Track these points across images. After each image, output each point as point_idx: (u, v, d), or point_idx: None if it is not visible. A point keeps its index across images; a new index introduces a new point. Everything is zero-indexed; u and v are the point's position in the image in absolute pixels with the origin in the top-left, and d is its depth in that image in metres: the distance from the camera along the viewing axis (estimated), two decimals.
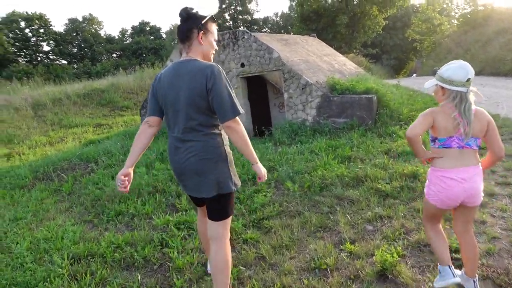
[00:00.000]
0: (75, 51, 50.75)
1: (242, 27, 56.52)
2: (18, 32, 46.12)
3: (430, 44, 31.67)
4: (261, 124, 8.15)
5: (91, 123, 11.97)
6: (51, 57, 49.17)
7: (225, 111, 1.99)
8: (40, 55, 48.56)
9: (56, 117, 12.39)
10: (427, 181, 2.14)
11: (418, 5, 44.92)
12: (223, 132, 2.17)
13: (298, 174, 4.74)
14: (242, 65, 7.75)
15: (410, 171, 4.26)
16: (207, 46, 2.19)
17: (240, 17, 56.04)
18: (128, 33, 53.32)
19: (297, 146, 6.10)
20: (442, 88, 1.95)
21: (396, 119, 6.87)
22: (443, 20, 32.07)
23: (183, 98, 2.07)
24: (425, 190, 2.16)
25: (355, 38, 33.50)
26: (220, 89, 1.99)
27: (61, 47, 48.90)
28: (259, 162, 2.21)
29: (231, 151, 2.22)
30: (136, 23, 61.14)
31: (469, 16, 26.41)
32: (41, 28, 47.89)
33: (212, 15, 2.20)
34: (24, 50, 46.54)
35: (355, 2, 32.58)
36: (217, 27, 2.30)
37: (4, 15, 47.45)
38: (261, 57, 7.51)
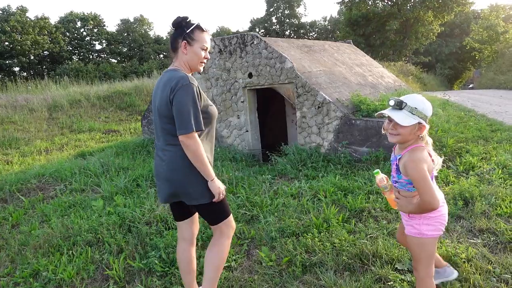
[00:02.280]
0: (125, 50, 52.33)
1: (288, 31, 55.53)
2: (74, 32, 48.40)
3: (491, 54, 28.49)
4: (277, 143, 6.84)
5: (103, 129, 11.30)
6: (102, 55, 51.10)
7: (178, 125, 2.04)
8: (92, 53, 50.58)
9: (69, 120, 11.88)
10: (414, 221, 1.99)
11: (479, 11, 41.30)
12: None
13: (282, 236, 3.39)
14: (250, 75, 6.50)
15: (445, 253, 2.77)
16: (191, 56, 2.19)
17: (288, 20, 55.32)
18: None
19: (300, 183, 4.73)
20: (422, 127, 1.85)
21: (438, 152, 5.25)
22: (508, 27, 28.86)
23: (157, 107, 2.17)
24: (416, 231, 1.99)
25: (405, 45, 31.17)
26: (179, 102, 2.03)
27: (112, 46, 50.66)
28: (215, 179, 2.17)
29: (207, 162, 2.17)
30: None
31: None
32: (95, 28, 49.97)
33: (199, 24, 2.19)
34: (78, 49, 48.69)
35: (408, 7, 30.33)
36: (209, 36, 2.26)
37: (63, 15, 50.09)
38: (272, 66, 6.21)
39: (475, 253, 2.77)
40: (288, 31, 55.68)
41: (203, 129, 2.10)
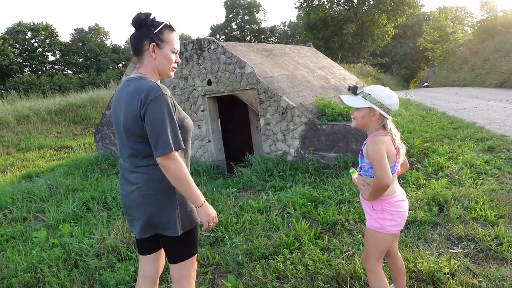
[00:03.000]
0: (81, 61, 50.23)
1: (249, 36, 55.70)
2: (24, 43, 45.87)
3: (443, 53, 29.91)
4: (242, 151, 6.50)
5: (54, 145, 10.47)
6: (56, 67, 48.74)
7: (155, 145, 1.70)
8: (46, 65, 48.12)
9: (16, 138, 10.93)
10: (377, 214, 2.00)
11: (429, 13, 43.33)
12: None
13: (251, 259, 3.05)
14: (209, 82, 6.14)
15: (427, 268, 2.54)
16: (161, 60, 1.85)
17: (248, 26, 55.54)
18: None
19: (267, 196, 4.41)
20: (380, 114, 1.93)
21: (405, 154, 5.14)
22: (456, 28, 30.37)
23: (122, 123, 1.82)
24: (379, 226, 2.00)
25: (363, 47, 32.05)
26: (152, 118, 1.70)
27: (67, 57, 48.44)
28: (205, 203, 1.81)
29: None
30: None
31: (486, 23, 24.51)
32: (47, 39, 47.59)
33: (168, 23, 1.86)
34: (30, 61, 46.15)
35: (363, 10, 31.22)
36: (178, 36, 1.92)
37: (11, 26, 47.32)
38: (231, 72, 5.88)
39: (458, 266, 2.57)
40: (249, 36, 55.94)
41: (184, 147, 1.78)
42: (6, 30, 46.18)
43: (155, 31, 1.80)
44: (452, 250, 2.82)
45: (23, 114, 12.45)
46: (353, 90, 1.97)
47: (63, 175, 6.51)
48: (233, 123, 8.25)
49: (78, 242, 3.59)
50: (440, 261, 2.61)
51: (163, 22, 1.83)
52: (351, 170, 2.19)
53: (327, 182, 4.66)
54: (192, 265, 1.99)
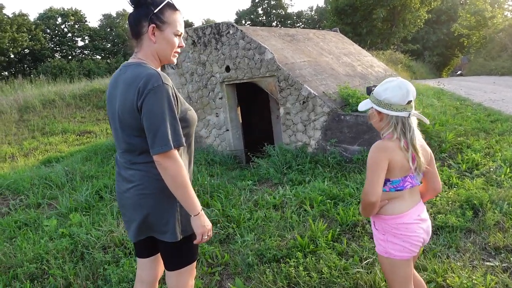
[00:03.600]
0: (109, 46, 51.04)
1: (275, 22, 54.81)
2: (55, 28, 47.05)
3: (479, 40, 28.19)
4: (262, 140, 6.25)
5: (77, 130, 10.58)
6: (85, 52, 49.79)
7: (152, 142, 1.51)
8: (75, 50, 49.25)
9: (41, 122, 11.12)
10: (379, 235, 1.68)
11: None
12: None
13: (261, 261, 2.83)
14: (227, 68, 5.88)
15: (459, 284, 2.23)
16: (162, 45, 1.63)
17: (274, 11, 54.67)
18: None
19: (284, 190, 4.17)
20: (379, 113, 1.61)
21: (436, 149, 4.75)
22: (495, 12, 28.52)
23: (118, 114, 1.61)
24: (382, 249, 1.67)
25: (393, 33, 30.79)
26: (151, 111, 1.50)
27: (95, 42, 49.30)
28: (201, 213, 1.62)
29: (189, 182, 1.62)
30: None
31: None
32: (76, 24, 48.58)
33: (169, 1, 1.62)
34: (60, 46, 47.35)
35: None
36: (182, 17, 1.67)
37: (42, 12, 48.55)
38: (250, 58, 5.60)
39: (495, 283, 2.25)
40: (275, 22, 55.06)
41: (184, 144, 1.58)
42: (38, 15, 47.44)
43: (155, 11, 1.59)
44: (488, 263, 2.50)
45: (49, 98, 12.66)
46: (368, 91, 1.77)
47: (81, 161, 6.49)
48: (253, 111, 8.00)
49: (86, 234, 3.48)
50: (474, 276, 2.30)
51: (164, 0, 1.61)
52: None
53: (349, 177, 4.36)
54: (190, 273, 1.80)
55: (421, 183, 1.70)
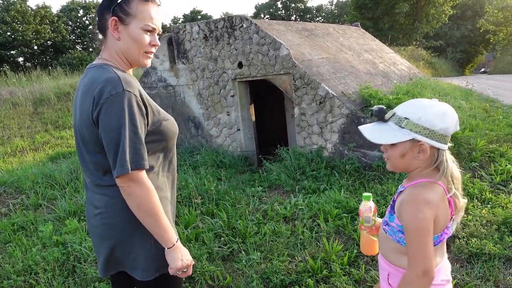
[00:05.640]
0: None
1: (294, 16, 54.09)
2: (77, 20, 47.65)
3: (507, 36, 27.04)
4: (276, 140, 5.92)
5: None
6: None
7: (113, 162, 1.24)
8: (95, 42, 49.78)
9: (55, 115, 11.05)
10: None
11: None
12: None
13: (267, 287, 2.50)
14: (240, 65, 5.54)
15: None
16: (127, 42, 1.35)
17: (293, 5, 53.97)
18: (180, 21, 53.25)
19: (296, 200, 3.82)
20: (430, 147, 1.17)
21: (465, 158, 4.31)
22: None
23: (78, 127, 1.37)
24: None
25: (416, 28, 29.77)
26: (107, 124, 1.23)
27: None
28: (177, 244, 1.35)
29: (167, 211, 1.42)
30: (188, 12, 60.94)
31: None
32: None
33: None
34: (81, 38, 47.95)
35: None
36: (157, 9, 1.36)
37: (64, 4, 49.24)
38: (264, 54, 5.24)
39: None
40: (294, 16, 54.36)
41: (145, 166, 1.28)
42: (60, 8, 48.11)
43: (119, 1, 1.31)
44: None
45: (64, 91, 12.59)
46: (379, 114, 1.23)
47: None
48: (266, 110, 7.64)
49: (80, 244, 3.23)
50: None
51: None
52: (367, 194, 1.48)
53: (368, 187, 3.97)
54: None
55: None
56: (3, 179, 5.53)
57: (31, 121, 10.58)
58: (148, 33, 1.37)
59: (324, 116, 4.92)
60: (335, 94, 4.81)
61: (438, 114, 1.18)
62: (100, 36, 1.42)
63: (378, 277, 2.39)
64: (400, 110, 1.23)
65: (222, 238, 3.18)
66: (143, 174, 1.27)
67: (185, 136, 6.35)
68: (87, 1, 48.11)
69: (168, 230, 1.32)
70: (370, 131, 1.26)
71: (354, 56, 6.77)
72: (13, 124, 10.08)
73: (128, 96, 1.24)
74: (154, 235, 1.33)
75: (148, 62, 1.43)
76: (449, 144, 1.22)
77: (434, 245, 1.21)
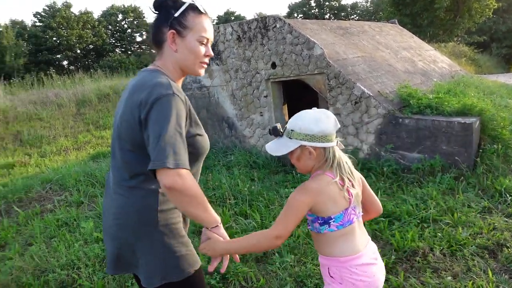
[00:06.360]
0: None
1: (328, 14, 53.36)
2: (116, 25, 49.63)
3: None
4: None
5: None
6: (143, 47, 51.97)
7: (152, 154, 1.22)
8: (133, 45, 51.60)
9: (96, 115, 11.54)
10: (336, 285, 1.43)
11: None
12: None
13: None
14: (273, 65, 5.52)
15: None
16: (184, 53, 1.42)
17: (327, 3, 53.25)
18: (214, 22, 54.10)
19: None
20: (314, 148, 1.41)
21: None
22: None
23: (117, 124, 1.41)
24: None
25: (457, 23, 28.44)
26: (154, 121, 1.24)
27: None
28: (217, 226, 1.38)
29: (180, 221, 1.42)
30: (222, 13, 61.70)
31: None
32: (135, 20, 50.85)
33: (193, 3, 1.42)
34: (120, 41, 49.88)
35: None
36: (210, 22, 1.46)
37: (105, 9, 51.48)
38: (298, 54, 5.19)
39: None
40: (328, 14, 53.60)
41: (187, 167, 1.27)
42: (101, 13, 50.33)
43: (176, 15, 1.39)
44: None
45: (104, 92, 13.13)
46: (274, 131, 1.47)
47: None
48: (300, 110, 7.55)
49: None
50: None
51: (186, 2, 1.42)
52: None
53: (406, 191, 3.83)
54: None
55: None
56: (49, 176, 5.84)
57: (74, 121, 11.12)
58: (202, 45, 1.44)
59: (360, 116, 4.79)
60: (371, 94, 4.68)
61: (312, 121, 1.40)
62: (154, 49, 1.49)
63: (418, 285, 2.30)
64: (289, 124, 1.46)
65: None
66: (184, 171, 1.25)
67: (219, 136, 6.41)
68: (126, 6, 50.03)
69: (207, 213, 1.35)
70: (270, 146, 1.48)
71: (391, 54, 6.55)
72: (58, 124, 10.64)
73: (177, 99, 1.29)
74: (200, 220, 1.36)
75: (202, 72, 1.50)
76: (339, 139, 1.44)
77: (340, 227, 1.40)
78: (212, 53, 1.49)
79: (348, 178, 1.42)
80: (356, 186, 1.45)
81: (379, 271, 1.46)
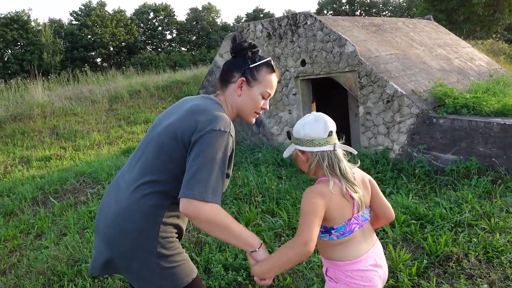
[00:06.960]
0: (194, 39, 53.53)
1: (359, 11, 52.30)
2: (147, 23, 50.78)
3: None
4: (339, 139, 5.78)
5: None
6: (173, 44, 52.93)
7: (189, 184, 1.27)
8: (164, 43, 52.63)
9: (127, 111, 11.85)
10: (332, 284, 1.50)
11: None
12: (174, 206, 1.37)
13: None
14: (303, 63, 5.47)
15: None
16: (246, 100, 1.53)
17: (358, 0, 52.21)
18: (242, 20, 54.25)
19: None
20: (303, 152, 1.47)
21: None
22: None
23: (160, 133, 1.43)
24: None
25: (496, 20, 27.13)
26: (203, 150, 1.31)
27: (182, 35, 52.09)
28: (259, 248, 1.38)
29: (176, 235, 1.45)
30: (251, 10, 61.77)
31: None
32: (166, 18, 51.83)
33: (269, 60, 1.53)
34: (151, 39, 51.01)
35: None
36: (276, 79, 1.57)
37: (137, 7, 52.78)
38: (328, 51, 5.11)
39: None
40: (359, 11, 52.52)
41: (220, 204, 1.35)
42: (133, 11, 51.65)
43: (251, 65, 1.51)
44: None
45: (135, 89, 13.47)
46: (288, 135, 1.53)
47: None
48: (330, 108, 7.45)
49: None
50: None
51: (264, 58, 1.53)
52: None
53: (440, 193, 3.69)
54: None
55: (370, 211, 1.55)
56: (83, 169, 6.06)
57: (107, 116, 11.47)
58: (264, 98, 1.55)
59: (392, 115, 4.67)
60: (404, 93, 4.54)
61: (301, 125, 1.45)
62: (219, 86, 1.59)
63: None
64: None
65: (283, 238, 3.16)
66: (215, 206, 1.30)
67: (247, 133, 6.43)
68: (157, 4, 51.00)
69: (243, 238, 1.36)
70: (287, 150, 1.55)
71: (425, 52, 6.33)
72: (91, 120, 11.00)
73: (230, 140, 1.38)
74: (237, 244, 1.38)
75: (254, 120, 1.62)
76: (328, 148, 1.40)
77: (340, 237, 1.40)
78: (267, 107, 1.60)
79: (347, 180, 1.40)
80: (359, 189, 1.43)
81: (378, 277, 1.45)
